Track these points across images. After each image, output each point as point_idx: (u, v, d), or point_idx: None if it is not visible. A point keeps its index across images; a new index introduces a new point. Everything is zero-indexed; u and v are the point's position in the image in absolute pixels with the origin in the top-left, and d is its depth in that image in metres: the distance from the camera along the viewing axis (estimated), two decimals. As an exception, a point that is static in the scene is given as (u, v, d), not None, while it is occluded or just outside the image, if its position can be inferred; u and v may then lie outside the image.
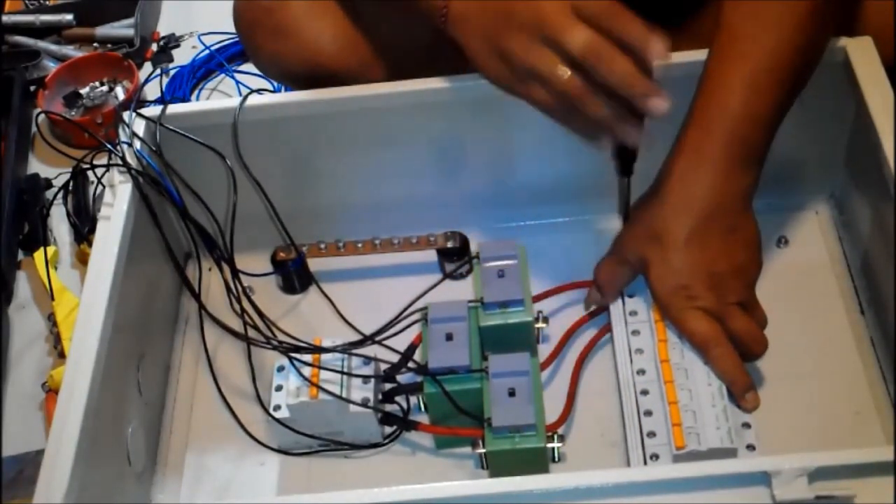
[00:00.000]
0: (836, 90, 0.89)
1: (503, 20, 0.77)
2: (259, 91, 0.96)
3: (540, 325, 0.87)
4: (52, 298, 1.10)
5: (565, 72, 0.75)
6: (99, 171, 0.90)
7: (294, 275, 0.99)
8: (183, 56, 1.47)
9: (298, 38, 0.97)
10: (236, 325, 0.88)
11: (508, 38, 0.77)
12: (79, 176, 1.21)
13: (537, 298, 0.91)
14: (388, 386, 0.88)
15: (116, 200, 0.87)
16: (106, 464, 0.80)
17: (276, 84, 1.25)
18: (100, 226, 0.86)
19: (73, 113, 1.36)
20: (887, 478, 0.67)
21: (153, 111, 0.92)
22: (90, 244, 0.89)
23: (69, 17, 1.50)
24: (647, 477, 0.70)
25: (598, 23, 0.74)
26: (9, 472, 0.98)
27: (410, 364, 0.87)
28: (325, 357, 0.86)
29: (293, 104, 0.93)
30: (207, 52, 1.45)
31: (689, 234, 0.82)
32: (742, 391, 0.81)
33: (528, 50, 0.76)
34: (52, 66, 1.42)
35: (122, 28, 1.50)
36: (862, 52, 0.87)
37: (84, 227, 1.19)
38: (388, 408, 0.87)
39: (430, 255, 0.99)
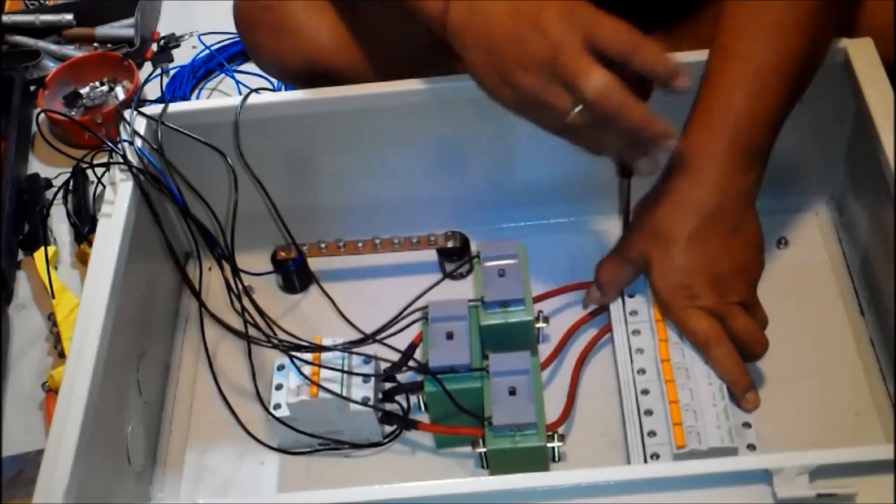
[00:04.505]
0: (836, 90, 0.89)
1: (514, 47, 0.76)
2: (258, 90, 0.95)
3: (540, 324, 0.87)
4: (53, 298, 1.10)
5: (577, 110, 0.75)
6: (99, 171, 0.90)
7: (294, 274, 0.99)
8: (183, 56, 1.47)
9: (298, 36, 0.97)
10: (237, 323, 0.88)
11: (520, 70, 0.76)
12: (79, 175, 1.22)
13: (538, 299, 0.91)
14: (388, 385, 0.88)
15: (117, 198, 0.87)
16: (106, 463, 0.80)
17: (276, 83, 1.25)
18: (100, 223, 0.86)
19: (73, 113, 1.36)
20: (888, 476, 0.67)
21: (154, 109, 0.92)
22: (90, 244, 0.89)
23: (69, 17, 1.50)
24: (648, 475, 0.70)
25: (614, 54, 0.74)
26: (9, 472, 0.98)
27: (411, 363, 0.87)
28: (325, 356, 0.85)
29: (294, 103, 0.93)
30: (207, 51, 1.45)
31: (692, 233, 0.82)
32: (743, 391, 0.81)
33: (540, 86, 0.75)
34: (52, 66, 1.42)
35: (122, 28, 1.50)
36: (862, 53, 0.87)
37: (84, 226, 1.19)
38: (389, 407, 0.87)
39: (430, 255, 0.99)
